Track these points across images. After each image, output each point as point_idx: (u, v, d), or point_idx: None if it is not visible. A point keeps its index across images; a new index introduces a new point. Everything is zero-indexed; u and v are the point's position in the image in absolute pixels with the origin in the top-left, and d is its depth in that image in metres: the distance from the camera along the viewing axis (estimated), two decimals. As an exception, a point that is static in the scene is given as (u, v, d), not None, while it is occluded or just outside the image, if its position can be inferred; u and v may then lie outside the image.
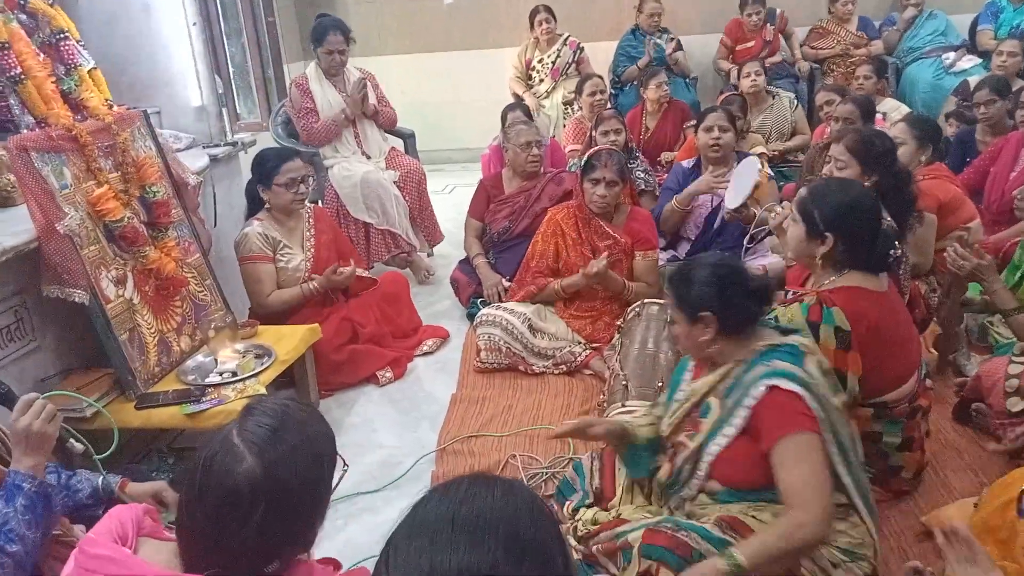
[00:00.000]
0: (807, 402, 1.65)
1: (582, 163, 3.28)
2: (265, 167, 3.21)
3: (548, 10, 5.91)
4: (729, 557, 1.59)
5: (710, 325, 1.79)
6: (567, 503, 2.09)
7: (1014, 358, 2.37)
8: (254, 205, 3.34)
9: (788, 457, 1.63)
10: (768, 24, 6.07)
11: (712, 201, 3.71)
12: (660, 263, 3.50)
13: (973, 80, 4.96)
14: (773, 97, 5.17)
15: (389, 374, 3.29)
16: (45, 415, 1.60)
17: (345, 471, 1.34)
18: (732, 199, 3.48)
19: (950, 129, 4.51)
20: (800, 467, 1.61)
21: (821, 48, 5.99)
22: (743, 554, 1.59)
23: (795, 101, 5.26)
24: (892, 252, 2.17)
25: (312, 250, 3.34)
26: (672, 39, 6.08)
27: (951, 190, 3.23)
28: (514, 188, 3.97)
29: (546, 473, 2.55)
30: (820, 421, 1.65)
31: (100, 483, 1.87)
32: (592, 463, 2.13)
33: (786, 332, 1.85)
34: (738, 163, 3.70)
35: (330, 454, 1.29)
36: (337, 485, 1.31)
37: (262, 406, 1.26)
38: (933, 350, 2.95)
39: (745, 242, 3.31)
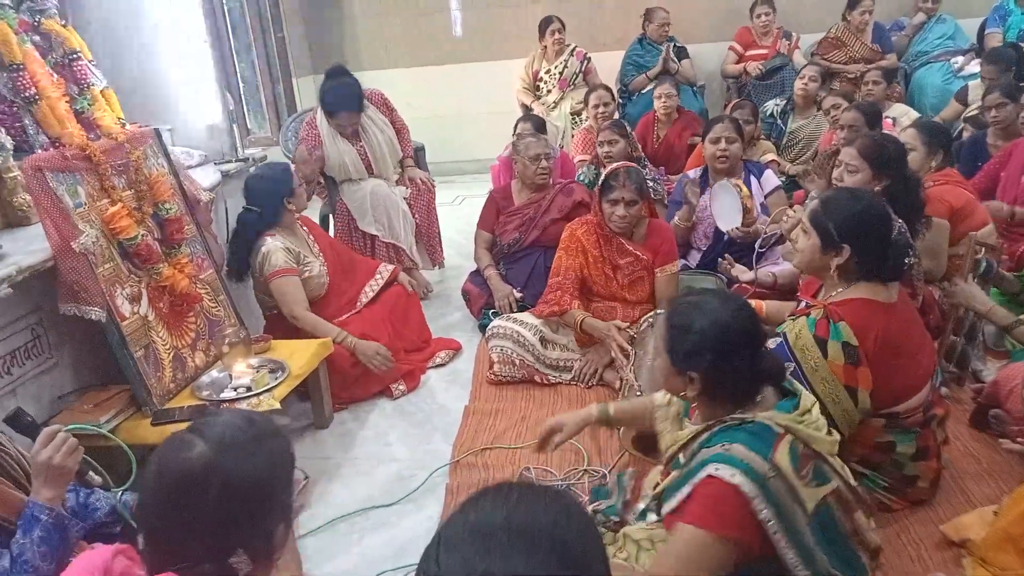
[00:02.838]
0: (750, 500, 1.48)
1: (600, 182, 3.20)
2: (282, 179, 3.27)
3: (560, 20, 5.95)
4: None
5: (693, 384, 1.63)
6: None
7: (1031, 364, 2.35)
8: (246, 230, 3.24)
9: (677, 538, 1.55)
10: (783, 39, 6.05)
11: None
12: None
13: (973, 85, 4.95)
14: (818, 109, 5.03)
15: (402, 387, 3.30)
16: (66, 448, 1.61)
17: (306, 483, 1.36)
18: (724, 223, 3.49)
19: (966, 134, 4.49)
20: (679, 552, 1.54)
21: (833, 61, 5.85)
22: None
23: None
24: (906, 261, 2.15)
25: (321, 255, 3.40)
26: (678, 47, 6.10)
27: (963, 195, 3.21)
28: (523, 200, 3.98)
29: (561, 485, 2.54)
30: (764, 521, 1.49)
31: (118, 502, 1.88)
32: (630, 481, 2.14)
33: (785, 393, 1.67)
34: (744, 174, 3.69)
35: (284, 464, 1.29)
36: (297, 495, 1.32)
37: (214, 411, 1.29)
38: (945, 361, 2.93)
39: (757, 246, 3.30)
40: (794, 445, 1.55)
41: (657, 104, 5.08)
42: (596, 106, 4.90)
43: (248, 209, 3.24)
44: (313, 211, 4.42)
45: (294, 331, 3.19)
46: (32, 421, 1.87)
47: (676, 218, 3.71)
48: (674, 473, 1.69)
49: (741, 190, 3.43)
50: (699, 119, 5.23)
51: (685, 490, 1.57)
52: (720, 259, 3.47)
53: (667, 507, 1.64)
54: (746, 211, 3.40)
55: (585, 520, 0.90)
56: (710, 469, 1.52)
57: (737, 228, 3.44)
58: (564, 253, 3.30)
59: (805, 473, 1.54)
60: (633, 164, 3.39)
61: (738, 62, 6.13)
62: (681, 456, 1.70)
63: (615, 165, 3.24)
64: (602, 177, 3.21)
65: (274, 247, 3.17)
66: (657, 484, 1.83)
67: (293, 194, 3.25)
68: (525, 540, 0.83)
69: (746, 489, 1.47)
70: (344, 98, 3.97)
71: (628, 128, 4.28)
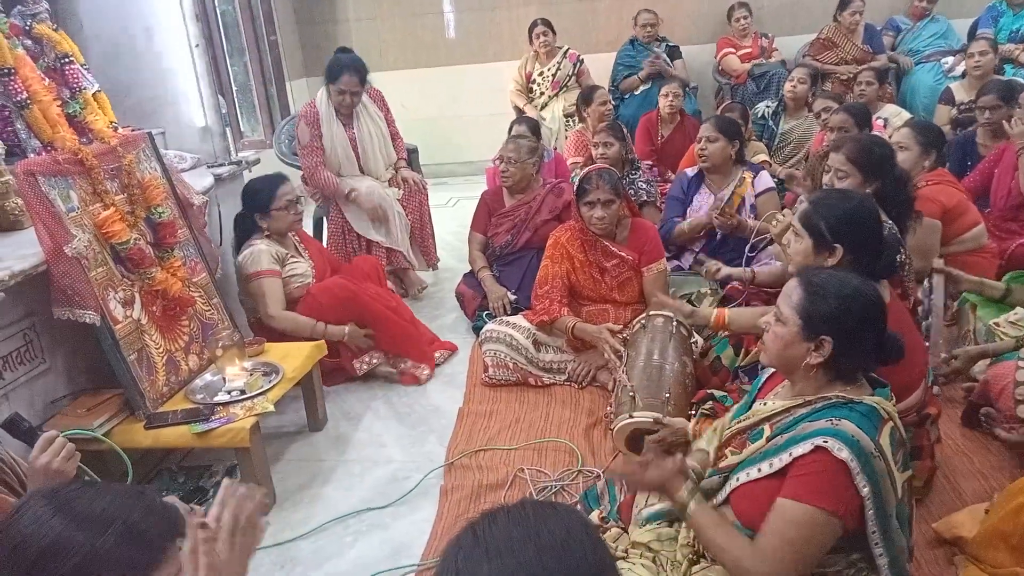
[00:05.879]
0: (854, 476, 1.49)
1: (574, 188, 3.22)
2: (260, 196, 3.26)
3: (546, 23, 5.96)
4: (690, 497, 1.66)
5: (823, 352, 1.61)
6: (595, 512, 2.10)
7: (1021, 363, 2.36)
8: (244, 235, 3.34)
9: (786, 518, 1.53)
10: (762, 37, 6.11)
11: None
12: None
13: (955, 86, 4.98)
14: (809, 111, 5.02)
15: (427, 372, 3.42)
16: (65, 453, 1.61)
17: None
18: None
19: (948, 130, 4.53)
20: (788, 533, 1.52)
21: (825, 62, 5.87)
22: (695, 510, 1.64)
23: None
24: (898, 258, 2.16)
25: (310, 259, 3.44)
26: (670, 47, 6.13)
27: (955, 195, 3.22)
28: (514, 201, 3.99)
29: (555, 486, 2.55)
30: (864, 499, 1.50)
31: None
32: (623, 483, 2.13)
33: (874, 384, 1.68)
34: (744, 171, 3.71)
35: (157, 533, 1.15)
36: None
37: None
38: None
39: (747, 251, 3.31)
40: (894, 431, 1.59)
41: (663, 102, 5.11)
42: (604, 103, 4.92)
43: (242, 215, 3.37)
44: (308, 215, 4.41)
45: (279, 334, 3.19)
46: (30, 427, 1.87)
47: (684, 225, 3.70)
48: (755, 444, 1.67)
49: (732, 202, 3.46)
50: (697, 123, 5.25)
51: (784, 457, 1.57)
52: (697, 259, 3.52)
53: (746, 474, 1.65)
54: (723, 211, 3.45)
55: (597, 532, 0.92)
56: (818, 441, 1.52)
57: (715, 214, 3.48)
58: (550, 261, 3.30)
59: (898, 458, 1.58)
60: (605, 166, 3.38)
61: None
62: (766, 427, 1.68)
63: (587, 169, 3.23)
64: (575, 183, 3.21)
65: (261, 248, 3.22)
66: (719, 454, 1.82)
67: (268, 213, 3.24)
68: (556, 555, 0.84)
69: (852, 465, 1.49)
70: (349, 61, 4.08)
71: (625, 131, 4.28)
